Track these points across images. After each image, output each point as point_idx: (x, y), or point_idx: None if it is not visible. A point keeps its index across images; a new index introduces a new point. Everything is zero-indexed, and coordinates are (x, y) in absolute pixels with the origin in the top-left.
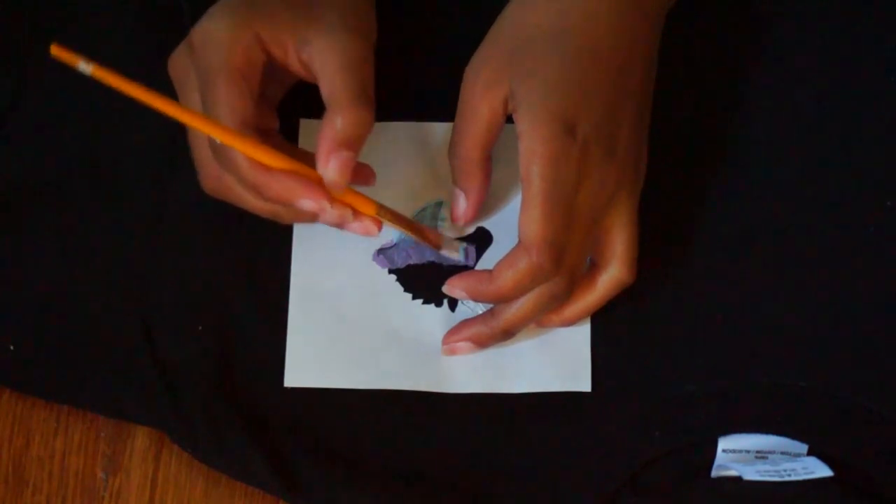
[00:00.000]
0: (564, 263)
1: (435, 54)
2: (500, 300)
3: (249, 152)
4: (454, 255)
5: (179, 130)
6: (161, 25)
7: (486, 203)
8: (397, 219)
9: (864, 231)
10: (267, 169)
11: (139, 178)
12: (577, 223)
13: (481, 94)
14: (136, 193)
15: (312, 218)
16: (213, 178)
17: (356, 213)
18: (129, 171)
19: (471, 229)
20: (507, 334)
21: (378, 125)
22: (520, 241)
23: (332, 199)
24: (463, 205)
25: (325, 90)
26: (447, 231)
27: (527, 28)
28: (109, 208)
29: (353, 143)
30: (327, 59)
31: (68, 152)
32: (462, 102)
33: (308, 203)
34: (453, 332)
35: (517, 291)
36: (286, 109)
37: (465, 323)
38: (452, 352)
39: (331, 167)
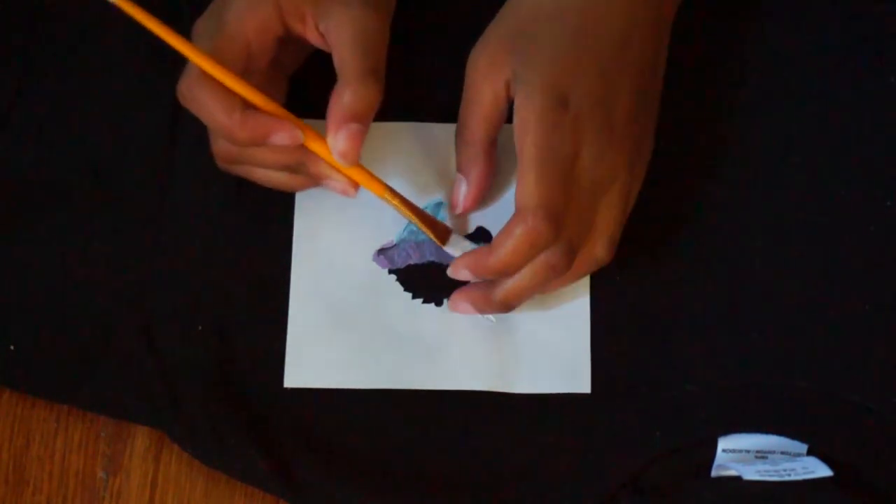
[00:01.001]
0: (563, 232)
1: (436, 55)
2: (503, 273)
3: (232, 84)
4: (458, 253)
5: (180, 130)
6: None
7: (488, 201)
8: (405, 204)
9: (864, 231)
10: (241, 108)
11: (139, 178)
12: (575, 194)
13: (483, 77)
14: (136, 194)
15: (315, 182)
16: (224, 145)
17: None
18: (129, 172)
19: (470, 229)
20: (506, 306)
21: (379, 125)
22: (516, 209)
23: (307, 137)
24: (464, 190)
25: (337, 63)
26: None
27: (527, 12)
28: (109, 208)
29: (361, 117)
30: (341, 33)
31: (68, 152)
32: (466, 87)
33: (281, 137)
34: (460, 291)
35: (517, 259)
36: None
37: (472, 285)
38: (454, 307)
39: (339, 138)
